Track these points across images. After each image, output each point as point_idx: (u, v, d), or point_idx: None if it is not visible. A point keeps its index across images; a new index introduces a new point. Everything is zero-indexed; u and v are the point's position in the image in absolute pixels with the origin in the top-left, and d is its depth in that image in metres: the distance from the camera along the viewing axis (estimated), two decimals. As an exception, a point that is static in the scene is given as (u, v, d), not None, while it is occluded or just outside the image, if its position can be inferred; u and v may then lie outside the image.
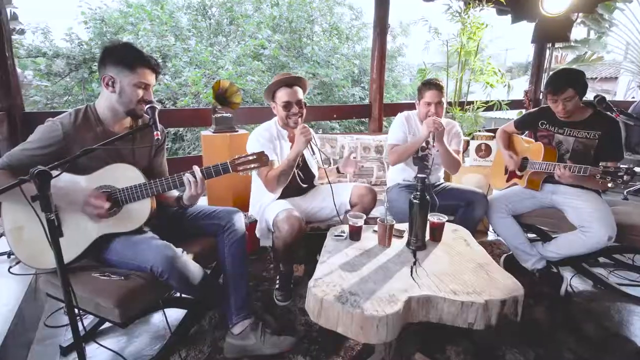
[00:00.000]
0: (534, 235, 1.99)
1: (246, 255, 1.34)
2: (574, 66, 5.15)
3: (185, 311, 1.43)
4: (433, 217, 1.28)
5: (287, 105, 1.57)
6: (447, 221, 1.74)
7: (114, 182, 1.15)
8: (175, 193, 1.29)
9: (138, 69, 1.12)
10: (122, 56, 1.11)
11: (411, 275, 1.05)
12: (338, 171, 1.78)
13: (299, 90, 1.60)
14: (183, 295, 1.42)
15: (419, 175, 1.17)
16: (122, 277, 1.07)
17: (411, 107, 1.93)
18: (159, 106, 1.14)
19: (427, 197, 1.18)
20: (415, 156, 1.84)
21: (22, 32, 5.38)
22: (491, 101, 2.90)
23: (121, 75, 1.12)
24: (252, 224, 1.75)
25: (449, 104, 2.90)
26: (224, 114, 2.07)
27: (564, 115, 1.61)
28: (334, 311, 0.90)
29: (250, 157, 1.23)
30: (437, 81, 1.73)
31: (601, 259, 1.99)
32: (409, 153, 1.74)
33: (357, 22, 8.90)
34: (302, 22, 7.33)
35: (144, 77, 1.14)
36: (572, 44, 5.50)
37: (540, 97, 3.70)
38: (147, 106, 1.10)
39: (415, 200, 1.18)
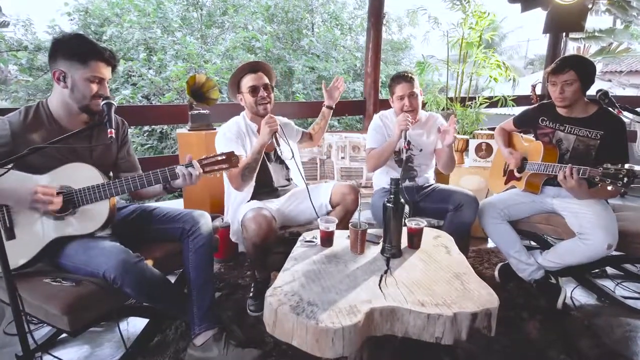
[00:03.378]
0: (534, 243, 1.98)
1: (212, 261, 1.36)
2: (598, 58, 5.08)
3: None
4: (411, 223, 1.28)
5: (254, 90, 1.61)
6: (437, 227, 1.76)
7: (71, 182, 1.18)
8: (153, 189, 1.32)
9: (91, 62, 1.13)
10: (73, 49, 1.12)
11: (379, 284, 1.06)
12: (329, 108, 1.84)
13: (264, 76, 1.64)
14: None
15: (392, 177, 1.18)
16: (74, 283, 1.10)
17: None
18: (115, 102, 1.17)
19: (402, 200, 1.19)
20: (397, 158, 1.85)
21: (5, 24, 5.51)
22: (495, 97, 2.88)
23: (73, 70, 1.13)
24: (227, 228, 1.77)
25: (450, 99, 2.89)
26: (201, 111, 2.10)
27: (560, 103, 1.61)
28: (289, 322, 0.91)
29: (219, 158, 1.25)
30: (405, 73, 1.78)
31: (610, 270, 1.96)
32: (386, 156, 1.75)
33: (360, 11, 8.91)
34: (299, 11, 7.37)
35: (97, 70, 1.15)
36: (596, 34, 5.42)
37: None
38: (103, 102, 1.13)
39: (388, 204, 1.18)
